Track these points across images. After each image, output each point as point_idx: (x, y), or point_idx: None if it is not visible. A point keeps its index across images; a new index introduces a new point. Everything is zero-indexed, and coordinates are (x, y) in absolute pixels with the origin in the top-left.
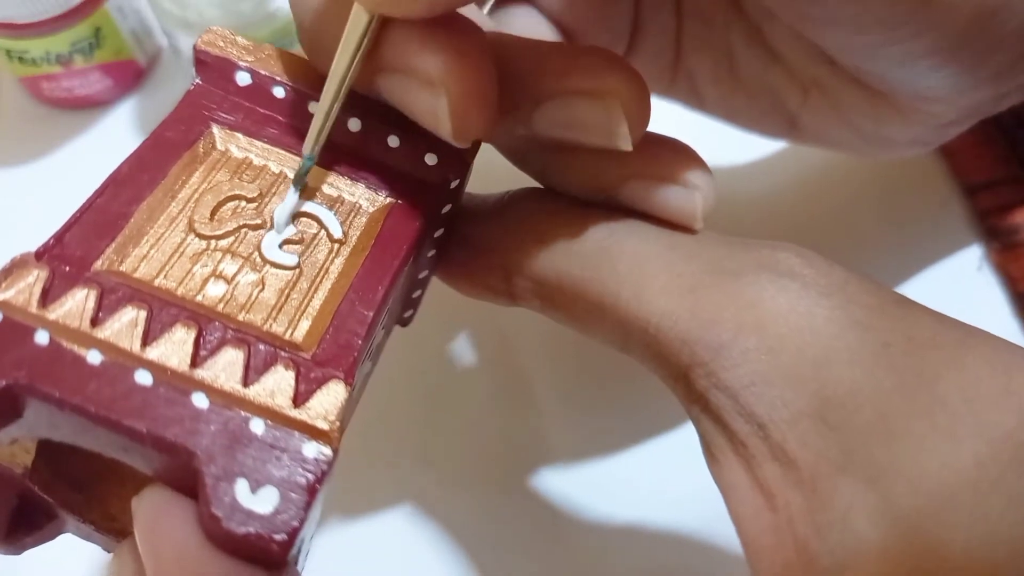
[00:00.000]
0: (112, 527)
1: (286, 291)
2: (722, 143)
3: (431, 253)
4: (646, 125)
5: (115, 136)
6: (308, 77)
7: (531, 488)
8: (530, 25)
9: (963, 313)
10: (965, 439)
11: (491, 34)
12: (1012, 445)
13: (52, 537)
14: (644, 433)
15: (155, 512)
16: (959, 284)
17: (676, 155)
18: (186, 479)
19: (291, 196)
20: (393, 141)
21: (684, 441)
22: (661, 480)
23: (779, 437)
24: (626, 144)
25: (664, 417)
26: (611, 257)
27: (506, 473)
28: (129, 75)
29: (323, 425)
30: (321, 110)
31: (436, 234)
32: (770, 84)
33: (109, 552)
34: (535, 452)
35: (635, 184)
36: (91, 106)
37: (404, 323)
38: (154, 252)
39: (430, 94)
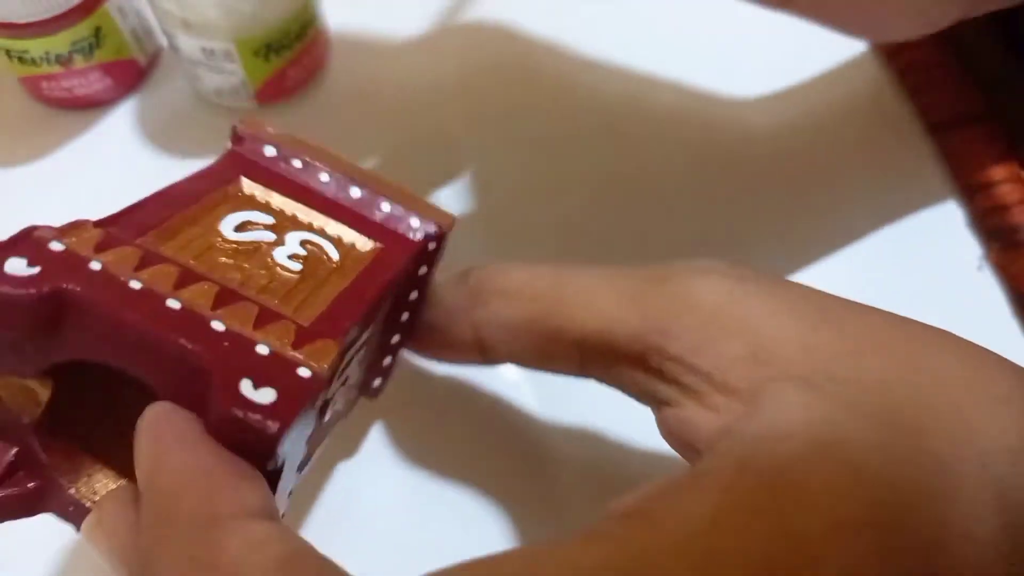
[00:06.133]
0: (93, 502)
1: (290, 287)
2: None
3: (405, 317)
4: None
5: (115, 136)
6: (319, 155)
7: (531, 487)
8: None
9: (963, 313)
10: (869, 356)
11: None
12: (907, 365)
13: (32, 513)
14: (645, 432)
15: (161, 413)
16: (959, 284)
17: None
18: (194, 396)
19: None
20: (386, 206)
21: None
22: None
23: (722, 378)
24: None
25: None
26: (563, 290)
27: (505, 472)
28: (129, 75)
29: (315, 362)
30: None
31: (411, 296)
32: None
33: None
34: (535, 451)
35: None
36: (91, 106)
37: (374, 394)
38: (187, 245)
39: None
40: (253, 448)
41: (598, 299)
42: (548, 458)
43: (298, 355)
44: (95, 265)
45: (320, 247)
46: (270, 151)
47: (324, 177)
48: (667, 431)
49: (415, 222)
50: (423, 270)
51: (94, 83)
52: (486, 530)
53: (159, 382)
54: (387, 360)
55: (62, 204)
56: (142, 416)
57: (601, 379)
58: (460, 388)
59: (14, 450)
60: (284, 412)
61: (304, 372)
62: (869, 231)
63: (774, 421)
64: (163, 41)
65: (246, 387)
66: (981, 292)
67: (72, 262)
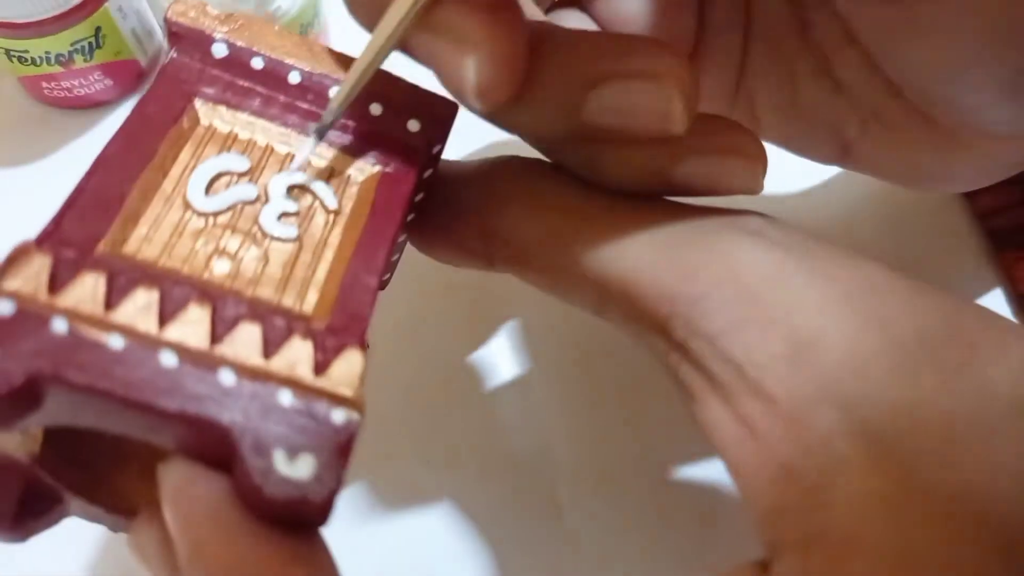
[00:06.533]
0: (120, 506)
1: (290, 264)
2: None
3: (410, 217)
4: (697, 109)
5: None
6: (283, 46)
7: (532, 482)
8: (581, 26)
9: None
10: (923, 372)
11: (542, 22)
12: (965, 373)
13: (57, 521)
14: (645, 427)
15: (185, 479)
16: (959, 284)
17: (730, 129)
18: (214, 453)
19: (309, 144)
20: (376, 109)
21: (689, 435)
22: (662, 471)
23: (756, 376)
24: (680, 127)
25: (665, 410)
26: (590, 217)
27: (507, 469)
28: (129, 75)
29: (347, 392)
30: (358, 68)
31: (416, 198)
32: (830, 113)
33: (116, 532)
34: (536, 447)
35: (693, 160)
36: (91, 106)
37: (382, 286)
38: (154, 232)
39: (460, 53)
40: (301, 519)
41: (626, 237)
42: (547, 459)
43: (325, 388)
44: (59, 326)
45: (312, 192)
46: (220, 50)
47: (294, 77)
48: (695, 423)
49: (414, 125)
50: (428, 173)
51: (94, 83)
52: (482, 535)
53: (170, 444)
54: (395, 256)
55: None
56: (163, 473)
57: (621, 329)
58: (456, 382)
59: (22, 486)
60: (329, 478)
61: (338, 417)
62: (869, 231)
63: (830, 474)
64: (163, 41)
65: (280, 461)
66: (981, 292)
67: (28, 327)
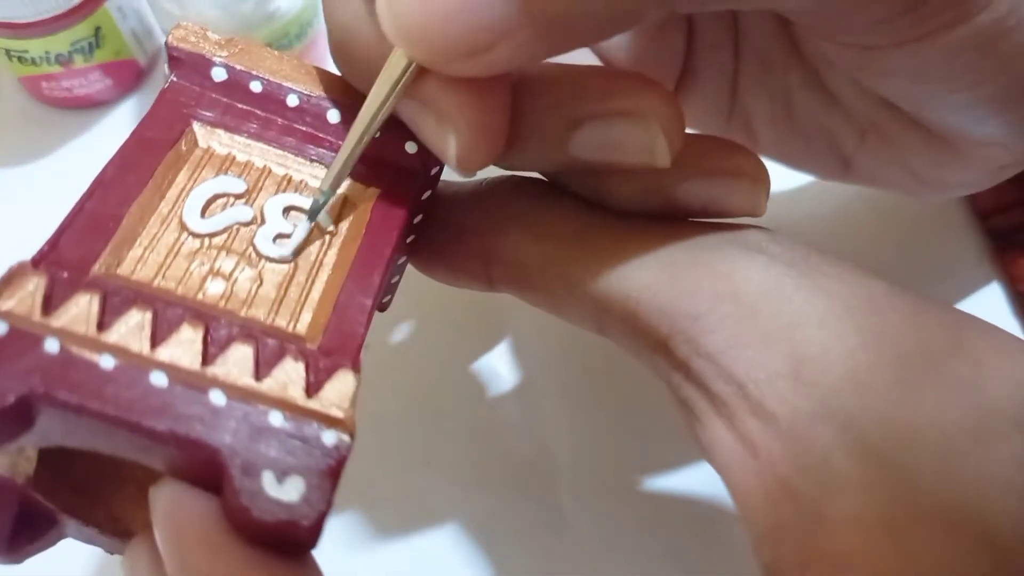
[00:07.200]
0: (116, 528)
1: (284, 285)
2: None
3: (410, 239)
4: (682, 143)
5: (115, 136)
6: (282, 70)
7: (533, 488)
8: (574, 56)
9: None
10: (925, 388)
11: None
12: (967, 389)
13: (53, 543)
14: (646, 431)
15: (175, 501)
16: (959, 284)
17: (732, 150)
18: (203, 474)
19: (303, 227)
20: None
21: (690, 441)
22: (663, 476)
23: (758, 395)
24: (664, 162)
25: (665, 415)
26: (590, 238)
27: (508, 474)
28: (129, 75)
29: (338, 413)
30: (347, 148)
31: (416, 220)
32: (827, 126)
33: (112, 553)
34: (537, 452)
35: (695, 182)
36: (91, 106)
37: (383, 308)
38: (149, 253)
39: (441, 126)
40: (290, 541)
41: (626, 256)
42: (548, 465)
43: (316, 410)
44: (51, 346)
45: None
46: (219, 74)
47: (292, 100)
48: (696, 443)
49: (411, 147)
50: (427, 194)
51: (94, 83)
52: (483, 541)
53: (161, 465)
54: (395, 278)
55: (62, 204)
56: (154, 495)
57: (623, 348)
58: (457, 387)
59: (17, 508)
60: (318, 501)
61: (329, 439)
62: (869, 231)
63: (828, 492)
64: (163, 41)
65: (268, 483)
66: (981, 292)
67: (21, 347)
